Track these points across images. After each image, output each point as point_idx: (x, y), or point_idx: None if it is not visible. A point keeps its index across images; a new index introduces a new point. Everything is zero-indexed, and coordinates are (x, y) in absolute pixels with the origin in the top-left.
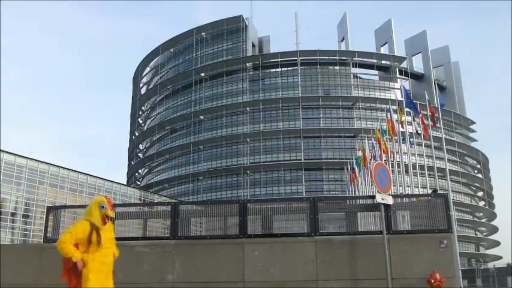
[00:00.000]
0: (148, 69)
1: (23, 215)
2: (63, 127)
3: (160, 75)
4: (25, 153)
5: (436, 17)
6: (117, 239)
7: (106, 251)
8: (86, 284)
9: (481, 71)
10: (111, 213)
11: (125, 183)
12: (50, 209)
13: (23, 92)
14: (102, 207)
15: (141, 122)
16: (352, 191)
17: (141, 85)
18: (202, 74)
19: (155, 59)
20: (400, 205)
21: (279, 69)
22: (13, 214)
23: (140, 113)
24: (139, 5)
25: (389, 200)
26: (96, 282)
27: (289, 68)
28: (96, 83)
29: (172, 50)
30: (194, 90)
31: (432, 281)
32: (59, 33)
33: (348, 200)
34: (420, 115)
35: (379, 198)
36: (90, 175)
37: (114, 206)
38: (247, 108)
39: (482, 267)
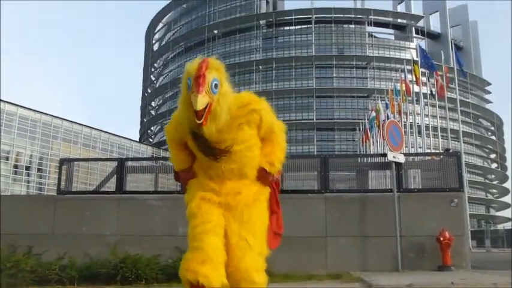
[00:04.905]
0: (161, 25)
1: (38, 169)
2: (76, 84)
3: (173, 31)
4: (37, 108)
5: None
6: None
7: (219, 167)
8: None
9: (499, 32)
10: (196, 105)
11: (138, 140)
12: (63, 162)
13: (34, 49)
14: (188, 86)
15: (153, 79)
16: (363, 151)
17: (154, 41)
18: (215, 31)
19: (168, 15)
20: (412, 164)
21: (293, 27)
22: (28, 168)
23: (153, 69)
24: None
25: (401, 158)
26: (192, 214)
27: (303, 26)
28: (109, 39)
29: (185, 5)
30: (207, 47)
31: (441, 238)
32: None
33: (359, 158)
34: (437, 76)
35: (390, 157)
36: (103, 131)
37: (131, 159)
38: (260, 67)
39: (491, 229)
